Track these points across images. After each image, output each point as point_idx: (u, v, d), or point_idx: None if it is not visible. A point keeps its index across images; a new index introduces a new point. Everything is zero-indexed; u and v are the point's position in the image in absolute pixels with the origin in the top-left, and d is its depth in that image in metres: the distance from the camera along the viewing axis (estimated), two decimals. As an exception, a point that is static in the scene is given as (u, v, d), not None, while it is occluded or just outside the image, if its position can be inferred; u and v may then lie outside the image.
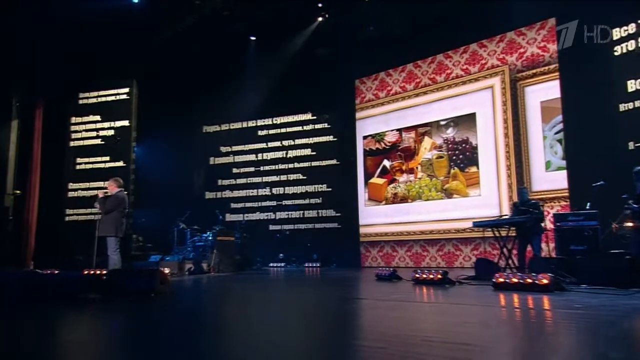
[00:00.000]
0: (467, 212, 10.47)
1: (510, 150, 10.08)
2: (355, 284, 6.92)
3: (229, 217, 13.39)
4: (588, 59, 8.59)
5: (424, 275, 6.24)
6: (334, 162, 12.74)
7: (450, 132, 11.00)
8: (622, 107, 7.97)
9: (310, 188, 12.84)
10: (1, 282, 4.95)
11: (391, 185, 11.80)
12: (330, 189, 12.72)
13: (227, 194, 13.75)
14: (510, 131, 10.05)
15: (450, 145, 10.97)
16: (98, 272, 5.74)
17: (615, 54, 8.54)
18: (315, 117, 13.06)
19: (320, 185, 12.75)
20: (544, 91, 9.80)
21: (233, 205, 13.57)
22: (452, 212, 10.80)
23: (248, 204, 13.44)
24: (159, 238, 11.89)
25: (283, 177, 13.19)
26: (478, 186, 10.49)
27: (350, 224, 12.24)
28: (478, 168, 10.50)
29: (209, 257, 10.10)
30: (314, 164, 12.89)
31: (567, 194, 8.79)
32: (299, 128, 13.20)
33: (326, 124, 12.95)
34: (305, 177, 12.92)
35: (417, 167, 11.44)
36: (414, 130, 11.53)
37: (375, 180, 12.04)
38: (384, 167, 12.00)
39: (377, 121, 12.20)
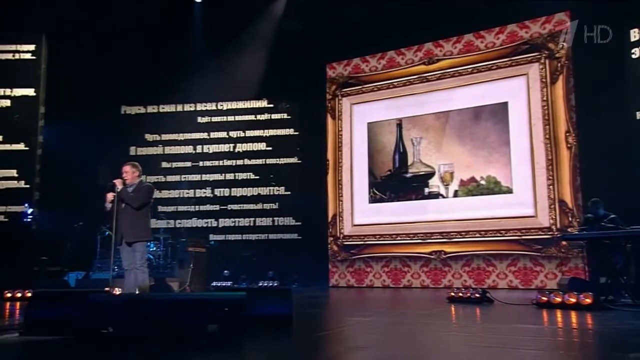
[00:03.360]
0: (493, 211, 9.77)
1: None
2: (440, 311, 5.64)
3: (155, 224, 11.90)
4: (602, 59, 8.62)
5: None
6: (294, 160, 11.67)
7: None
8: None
9: (263, 190, 11.61)
10: (102, 308, 3.70)
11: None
12: (288, 193, 11.57)
13: (154, 193, 12.11)
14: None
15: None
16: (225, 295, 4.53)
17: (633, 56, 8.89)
18: (272, 105, 11.87)
19: (277, 188, 11.59)
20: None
21: (161, 209, 12.01)
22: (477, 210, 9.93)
23: (182, 208, 12.00)
24: (71, 249, 10.23)
25: (229, 176, 11.78)
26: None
27: (314, 235, 11.14)
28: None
29: (178, 273, 8.87)
30: (270, 161, 11.68)
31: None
32: (252, 117, 11.89)
33: (286, 114, 11.81)
34: (257, 177, 11.69)
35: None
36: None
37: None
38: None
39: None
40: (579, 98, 9.15)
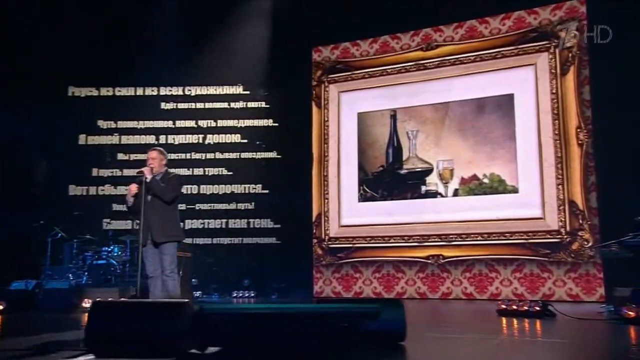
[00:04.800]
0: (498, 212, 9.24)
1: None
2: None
3: (108, 225, 10.69)
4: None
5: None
6: (273, 154, 10.74)
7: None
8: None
9: (238, 188, 10.63)
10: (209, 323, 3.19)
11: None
12: (266, 191, 10.66)
13: (108, 190, 10.75)
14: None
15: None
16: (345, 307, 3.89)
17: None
18: (248, 92, 10.90)
19: (253, 186, 10.64)
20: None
21: (117, 208, 10.85)
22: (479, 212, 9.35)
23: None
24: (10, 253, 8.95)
25: (198, 172, 10.69)
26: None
27: (295, 239, 10.28)
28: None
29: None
30: (245, 155, 10.70)
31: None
32: (224, 105, 10.88)
33: (264, 103, 10.89)
34: (231, 174, 10.72)
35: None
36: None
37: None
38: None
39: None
40: (596, 90, 8.83)
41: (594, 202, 8.54)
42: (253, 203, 10.66)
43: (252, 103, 10.90)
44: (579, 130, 8.84)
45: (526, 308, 5.80)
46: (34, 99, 10.17)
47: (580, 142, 8.81)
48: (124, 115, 10.93)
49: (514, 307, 5.94)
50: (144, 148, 10.63)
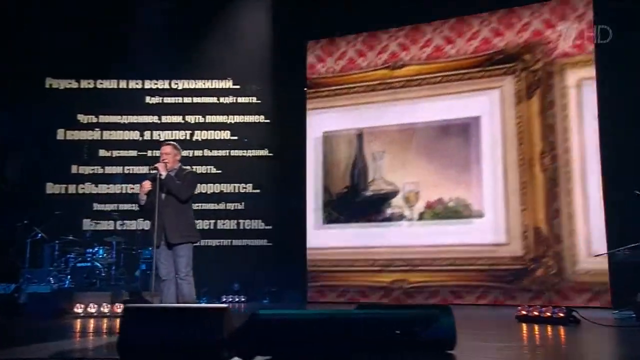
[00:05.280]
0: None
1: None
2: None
3: (89, 225, 10.17)
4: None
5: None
6: (264, 152, 10.34)
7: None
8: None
9: (227, 187, 10.24)
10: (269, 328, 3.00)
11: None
12: (257, 191, 10.27)
13: (88, 188, 10.24)
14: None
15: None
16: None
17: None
18: (238, 87, 10.47)
19: (244, 185, 10.25)
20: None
21: (98, 207, 10.16)
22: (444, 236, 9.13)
23: (125, 206, 10.39)
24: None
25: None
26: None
27: (288, 242, 9.94)
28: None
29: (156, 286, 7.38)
30: (235, 153, 10.32)
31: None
32: (213, 99, 10.43)
33: (255, 98, 10.46)
34: (220, 172, 10.31)
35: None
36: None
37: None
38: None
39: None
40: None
41: (558, 229, 8.41)
42: (243, 203, 10.27)
43: (243, 98, 10.50)
44: (543, 155, 8.71)
45: (549, 314, 5.55)
46: (8, 91, 9.76)
47: (544, 167, 8.68)
48: (105, 110, 10.40)
49: (535, 312, 5.69)
50: (127, 144, 10.36)
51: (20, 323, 6.41)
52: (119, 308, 6.55)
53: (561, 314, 5.47)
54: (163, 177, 5.17)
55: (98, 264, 8.10)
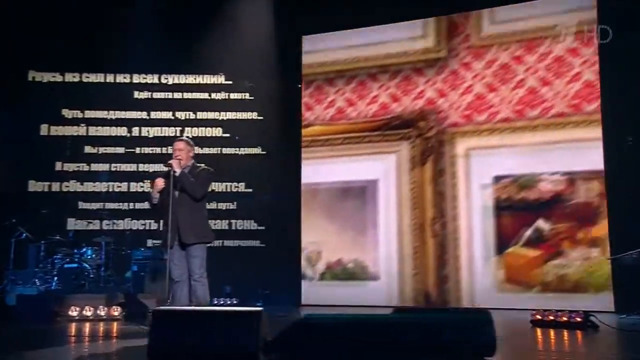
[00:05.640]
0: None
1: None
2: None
3: (75, 225, 9.83)
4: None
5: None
6: (257, 150, 10.10)
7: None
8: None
9: (218, 187, 9.86)
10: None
11: (551, 263, 8.08)
12: (249, 190, 10.04)
13: (73, 186, 9.83)
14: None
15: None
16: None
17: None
18: (231, 83, 10.22)
19: (236, 184, 10.01)
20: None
21: (83, 206, 9.79)
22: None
23: (111, 205, 10.00)
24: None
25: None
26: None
27: (282, 243, 9.72)
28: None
29: (149, 287, 7.19)
30: (227, 151, 10.08)
31: None
32: (204, 95, 10.18)
33: (248, 95, 10.23)
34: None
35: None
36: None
37: (520, 249, 8.30)
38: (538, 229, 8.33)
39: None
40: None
41: (446, 294, 8.64)
42: (235, 202, 10.02)
43: (235, 94, 10.25)
44: (434, 221, 8.93)
45: (565, 319, 5.48)
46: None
47: (434, 233, 8.89)
48: (92, 104, 10.08)
49: (551, 317, 5.63)
50: (114, 141, 10.04)
51: (10, 327, 6.08)
52: (116, 311, 6.28)
53: (578, 319, 5.40)
54: (177, 174, 5.00)
55: (87, 265, 7.80)
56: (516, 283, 8.27)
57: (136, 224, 9.84)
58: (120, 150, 10.02)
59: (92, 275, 7.84)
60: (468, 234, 8.62)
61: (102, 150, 9.99)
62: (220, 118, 10.21)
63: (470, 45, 8.96)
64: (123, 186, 9.99)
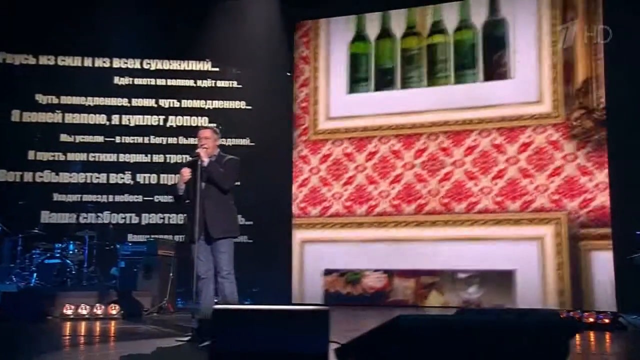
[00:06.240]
0: None
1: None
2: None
3: (50, 218, 9.30)
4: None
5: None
6: (245, 141, 9.79)
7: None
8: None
9: (204, 178, 9.78)
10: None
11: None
12: (237, 184, 9.91)
13: (47, 176, 9.36)
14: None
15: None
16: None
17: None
18: (217, 69, 9.88)
19: (222, 177, 9.86)
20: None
21: (58, 198, 9.30)
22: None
23: (88, 197, 9.49)
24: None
25: (158, 158, 9.60)
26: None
27: (271, 239, 9.45)
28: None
29: (142, 284, 6.78)
30: (213, 142, 9.89)
31: None
32: (190, 82, 9.80)
33: (236, 82, 9.89)
34: (196, 161, 9.78)
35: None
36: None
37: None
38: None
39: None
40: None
41: None
42: (222, 196, 9.64)
43: (222, 82, 9.87)
44: None
45: (592, 320, 5.36)
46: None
47: None
48: (68, 90, 9.63)
49: (577, 317, 5.52)
50: (94, 129, 9.55)
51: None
52: (114, 309, 5.85)
53: (606, 320, 5.32)
54: (205, 164, 4.66)
55: (68, 261, 7.32)
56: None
57: (116, 218, 9.35)
58: (99, 139, 9.54)
59: (74, 272, 7.37)
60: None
61: (79, 139, 9.50)
62: (207, 107, 9.86)
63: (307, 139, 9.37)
64: (102, 177, 9.48)
